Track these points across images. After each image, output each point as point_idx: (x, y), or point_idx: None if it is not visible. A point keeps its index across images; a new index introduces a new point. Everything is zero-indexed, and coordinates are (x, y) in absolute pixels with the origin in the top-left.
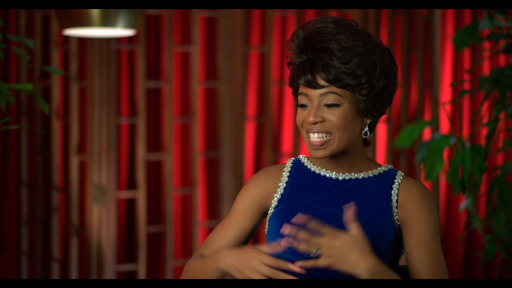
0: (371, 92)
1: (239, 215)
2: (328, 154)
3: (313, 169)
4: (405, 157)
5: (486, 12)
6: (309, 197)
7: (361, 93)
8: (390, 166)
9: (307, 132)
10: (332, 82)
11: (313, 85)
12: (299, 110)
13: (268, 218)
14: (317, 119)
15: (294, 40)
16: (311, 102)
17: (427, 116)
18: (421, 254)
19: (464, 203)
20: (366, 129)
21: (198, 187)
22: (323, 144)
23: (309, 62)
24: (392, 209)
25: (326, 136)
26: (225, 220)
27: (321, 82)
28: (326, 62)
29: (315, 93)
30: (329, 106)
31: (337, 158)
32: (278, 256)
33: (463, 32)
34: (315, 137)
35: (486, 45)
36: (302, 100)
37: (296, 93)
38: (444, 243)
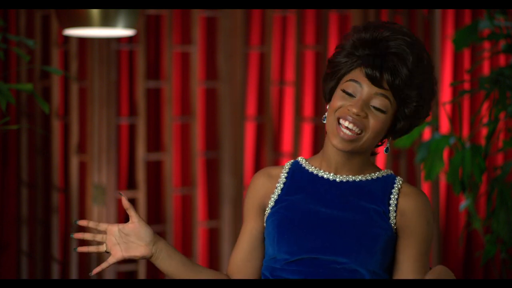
0: (413, 114)
1: (248, 224)
2: (349, 149)
3: (311, 170)
4: (405, 157)
5: (486, 12)
6: (306, 198)
7: (405, 111)
8: (389, 171)
9: (340, 117)
10: (393, 88)
11: (376, 81)
12: (341, 95)
13: (265, 218)
14: (362, 114)
15: (365, 31)
16: (361, 94)
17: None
18: (413, 267)
19: (464, 203)
20: (388, 145)
21: (198, 187)
22: (351, 140)
23: (380, 59)
24: (390, 212)
25: (357, 130)
26: (240, 231)
27: (384, 83)
28: (397, 66)
29: (370, 89)
30: (376, 108)
31: (344, 160)
32: (273, 257)
33: (463, 32)
34: (349, 126)
35: (486, 45)
36: (350, 87)
37: (334, 76)
38: (444, 243)
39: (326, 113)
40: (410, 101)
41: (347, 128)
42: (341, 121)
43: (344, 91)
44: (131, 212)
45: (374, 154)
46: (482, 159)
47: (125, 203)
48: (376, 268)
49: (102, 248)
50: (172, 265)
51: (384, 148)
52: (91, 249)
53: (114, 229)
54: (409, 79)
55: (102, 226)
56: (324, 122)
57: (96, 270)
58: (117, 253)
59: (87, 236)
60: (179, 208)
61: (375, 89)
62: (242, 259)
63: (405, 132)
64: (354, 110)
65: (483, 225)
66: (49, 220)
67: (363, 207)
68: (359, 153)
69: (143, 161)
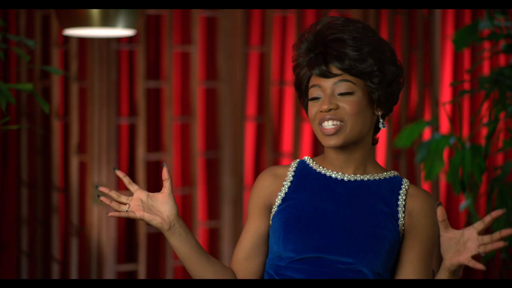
0: (382, 80)
1: (251, 222)
2: (341, 142)
3: (318, 170)
4: (405, 157)
5: (486, 12)
6: (313, 196)
7: (373, 81)
8: (396, 173)
9: (320, 122)
10: (345, 70)
11: (327, 74)
12: (311, 103)
13: (271, 216)
14: (332, 106)
15: (302, 41)
16: (324, 92)
17: (427, 116)
18: (417, 267)
19: (464, 203)
20: (382, 120)
21: (198, 187)
22: (336, 131)
23: (322, 54)
24: (399, 213)
25: (338, 123)
26: (243, 229)
27: (335, 71)
28: (339, 51)
29: (328, 82)
30: (342, 94)
31: (346, 156)
32: (278, 255)
33: (463, 32)
34: (329, 124)
35: (486, 45)
36: (314, 92)
37: (303, 94)
38: None
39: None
40: (369, 70)
41: (328, 126)
42: (323, 123)
43: (310, 99)
44: (167, 184)
45: (375, 143)
46: (482, 159)
47: (165, 174)
48: (380, 269)
49: (124, 208)
50: (185, 246)
51: (380, 123)
52: (113, 205)
53: (143, 195)
54: (356, 53)
55: (133, 187)
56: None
57: (113, 214)
58: (139, 212)
59: (112, 193)
60: (179, 208)
61: (332, 80)
62: (245, 257)
63: (389, 101)
64: (324, 107)
65: None
66: (49, 220)
67: (371, 208)
68: (357, 147)
69: (143, 161)
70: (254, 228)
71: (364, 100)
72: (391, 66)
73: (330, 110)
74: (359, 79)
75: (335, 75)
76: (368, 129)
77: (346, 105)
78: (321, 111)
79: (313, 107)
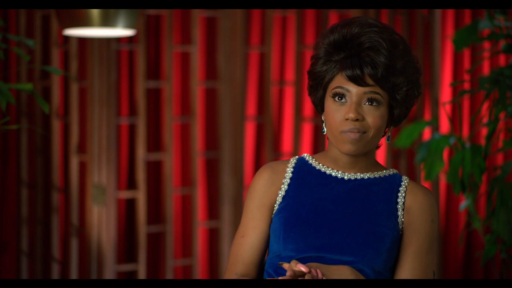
0: (406, 99)
1: (255, 220)
2: (360, 151)
3: (318, 167)
4: (405, 157)
5: (486, 12)
6: (313, 194)
7: (397, 98)
8: (395, 171)
9: (343, 131)
10: (378, 81)
11: (360, 82)
12: (335, 106)
13: (272, 214)
14: (360, 117)
15: (333, 32)
16: (351, 98)
17: (427, 116)
18: (413, 264)
19: (464, 203)
20: (389, 133)
21: (198, 187)
22: (359, 139)
23: (357, 58)
24: (398, 211)
25: (361, 136)
26: (242, 229)
27: (368, 80)
28: (374, 59)
29: (359, 90)
30: (371, 103)
31: (352, 159)
32: (278, 254)
33: (463, 32)
34: (351, 133)
35: (486, 45)
36: (340, 92)
37: (319, 87)
38: (444, 243)
39: (323, 124)
40: (399, 87)
41: (352, 131)
42: (345, 130)
43: (334, 99)
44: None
45: (377, 147)
46: (482, 159)
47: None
48: (381, 268)
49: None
50: None
51: (386, 137)
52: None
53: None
54: (391, 67)
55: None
56: (324, 133)
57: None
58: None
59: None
60: (179, 208)
61: (363, 89)
62: (248, 255)
63: (405, 116)
64: (351, 115)
65: (483, 225)
66: (49, 220)
67: (371, 206)
68: (364, 153)
69: (143, 161)
70: (262, 227)
71: (386, 114)
72: (418, 87)
73: (356, 120)
74: (386, 93)
75: (367, 85)
76: (378, 142)
77: (372, 118)
78: (346, 119)
79: (337, 111)
